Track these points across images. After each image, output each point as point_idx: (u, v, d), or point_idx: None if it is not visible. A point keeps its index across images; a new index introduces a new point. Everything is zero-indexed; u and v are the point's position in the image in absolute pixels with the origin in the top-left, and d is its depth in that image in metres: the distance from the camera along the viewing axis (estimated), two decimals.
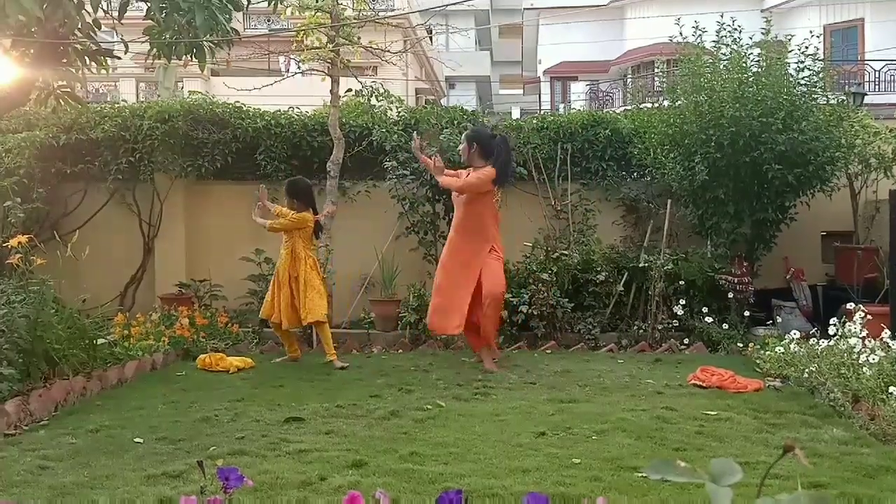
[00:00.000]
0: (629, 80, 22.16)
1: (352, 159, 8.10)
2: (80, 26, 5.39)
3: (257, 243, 8.01)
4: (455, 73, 28.50)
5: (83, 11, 5.27)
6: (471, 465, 3.48)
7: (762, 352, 6.01)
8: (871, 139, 7.48)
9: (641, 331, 7.28)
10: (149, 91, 20.17)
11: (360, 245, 8.10)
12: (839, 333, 5.31)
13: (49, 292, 5.03)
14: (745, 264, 7.28)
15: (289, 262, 6.23)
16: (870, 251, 7.49)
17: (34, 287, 5.05)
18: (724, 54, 7.14)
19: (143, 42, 5.85)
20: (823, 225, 8.09)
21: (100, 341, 5.64)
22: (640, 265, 7.36)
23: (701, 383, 5.33)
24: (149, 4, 5.19)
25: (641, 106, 8.44)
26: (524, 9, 26.01)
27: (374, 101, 8.08)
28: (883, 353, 4.72)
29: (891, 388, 4.23)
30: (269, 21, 23.07)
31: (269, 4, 5.93)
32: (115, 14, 5.36)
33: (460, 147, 6.26)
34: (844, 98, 7.61)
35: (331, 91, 7.84)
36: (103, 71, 6.10)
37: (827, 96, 7.24)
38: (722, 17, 7.27)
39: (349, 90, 8.30)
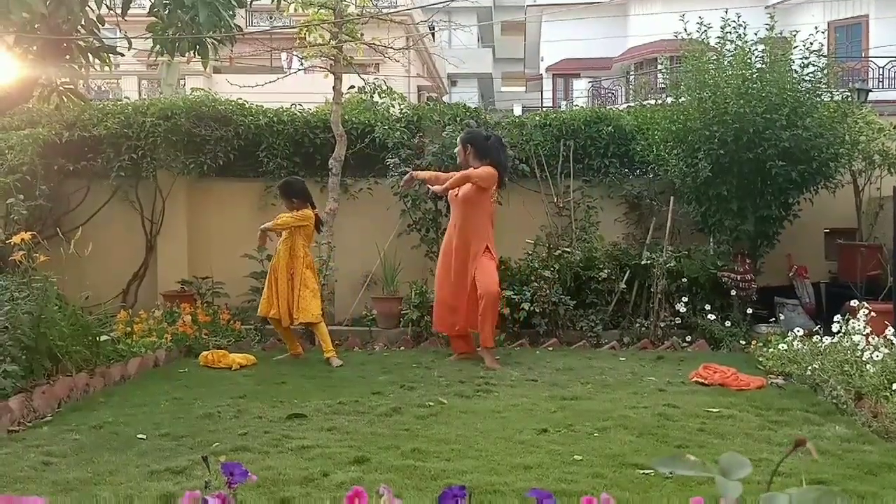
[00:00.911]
0: (632, 77, 22.12)
1: (354, 156, 8.10)
2: (83, 23, 5.38)
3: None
4: (457, 70, 28.47)
5: (86, 8, 5.26)
6: (473, 461, 3.49)
7: (765, 349, 6.01)
8: (876, 136, 7.46)
9: (643, 328, 7.27)
10: (151, 88, 20.16)
11: (362, 242, 8.10)
12: (842, 331, 5.30)
13: (52, 289, 5.03)
14: (747, 261, 7.27)
15: (287, 260, 6.22)
16: (873, 248, 7.48)
17: (37, 284, 5.05)
18: (729, 50, 7.12)
19: (146, 39, 5.86)
20: (827, 222, 8.08)
21: (103, 338, 5.65)
22: (643, 262, 7.35)
23: (703, 381, 5.33)
24: (152, 1, 5.18)
25: (644, 103, 8.42)
26: (527, 5, 25.97)
27: (376, 97, 8.08)
28: (886, 351, 4.72)
29: (894, 386, 4.22)
30: (271, 18, 23.07)
31: (271, 1, 5.93)
32: (119, 11, 5.35)
33: (456, 150, 6.29)
34: (849, 94, 7.58)
35: (333, 88, 7.84)
36: (106, 68, 6.10)
37: (831, 93, 7.21)
38: (726, 13, 7.25)
39: (352, 87, 8.30)
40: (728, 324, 7.05)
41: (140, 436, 3.89)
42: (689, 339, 7.11)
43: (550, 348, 6.99)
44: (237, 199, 8.42)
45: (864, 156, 7.51)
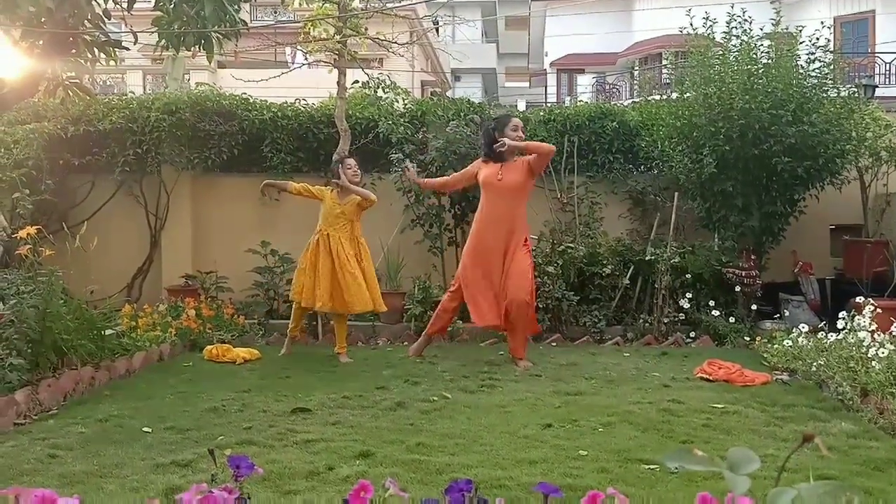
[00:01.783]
0: (636, 72, 22.07)
1: (358, 151, 8.08)
2: (89, 17, 5.38)
3: (263, 235, 8.04)
4: (461, 65, 28.43)
5: (93, 2, 5.26)
6: (477, 455, 3.49)
7: (769, 345, 6.00)
8: (882, 132, 7.44)
9: (647, 324, 7.27)
10: (156, 83, 20.16)
11: (366, 237, 8.06)
12: (848, 327, 5.29)
13: (58, 283, 5.04)
14: (752, 258, 7.25)
15: (350, 246, 6.13)
16: (879, 245, 7.46)
17: (43, 278, 5.06)
18: (734, 46, 7.10)
19: (151, 33, 5.86)
20: (832, 218, 8.06)
21: (108, 332, 5.66)
22: (647, 258, 7.34)
23: (708, 376, 5.32)
24: None
25: (649, 98, 8.40)
26: (531, 0, 25.91)
27: (380, 92, 8.06)
28: (892, 347, 4.71)
29: None
30: (275, 13, 23.05)
31: None
32: (124, 5, 5.35)
33: (514, 132, 5.89)
34: (855, 90, 7.55)
35: (337, 83, 7.83)
36: (111, 62, 6.10)
37: (838, 88, 7.18)
38: (732, 7, 7.23)
39: (356, 82, 8.29)
40: (732, 320, 7.04)
41: (145, 429, 3.90)
42: (693, 335, 7.10)
43: (554, 344, 6.99)
44: (241, 193, 8.41)
45: (870, 152, 7.49)
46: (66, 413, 4.30)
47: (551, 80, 26.19)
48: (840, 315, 5.46)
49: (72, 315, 5.26)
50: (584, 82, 24.12)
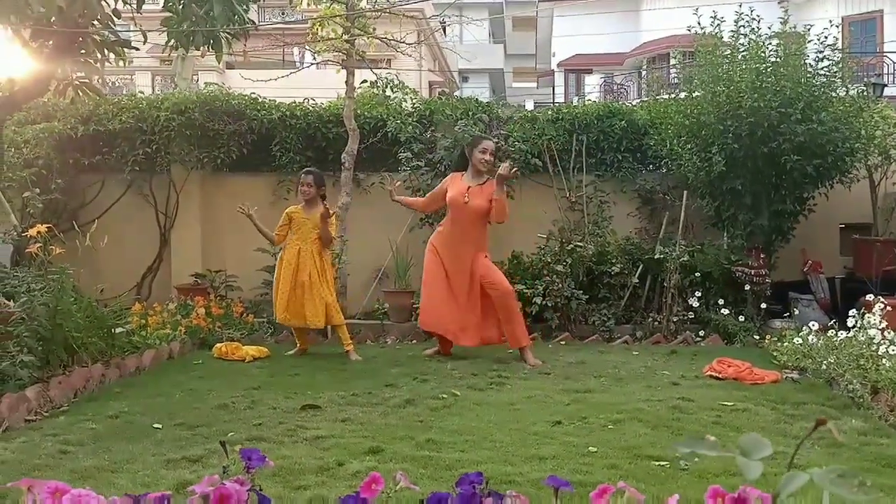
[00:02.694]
0: (644, 72, 22.02)
1: (366, 151, 8.11)
2: (98, 17, 5.41)
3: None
4: (469, 65, 28.46)
5: (103, 2, 5.29)
6: (487, 452, 3.49)
7: (779, 344, 5.98)
8: (891, 130, 7.41)
9: (656, 323, 7.25)
10: (164, 84, 20.25)
11: (374, 236, 8.11)
12: (858, 325, 5.27)
13: (68, 281, 5.06)
14: (762, 256, 7.23)
15: (317, 261, 6.16)
16: (889, 243, 7.42)
17: (54, 276, 5.08)
18: (742, 44, 7.08)
19: (161, 33, 5.89)
20: (842, 217, 8.03)
21: (118, 330, 5.68)
22: (656, 257, 7.32)
23: (717, 374, 5.31)
24: None
25: (658, 98, 8.39)
26: (538, 0, 25.89)
27: (388, 92, 8.08)
28: None
29: None
30: (283, 13, 23.12)
31: None
32: (134, 4, 5.38)
33: (488, 156, 5.94)
34: (864, 89, 7.52)
35: (346, 82, 7.85)
36: (121, 62, 6.14)
37: (847, 87, 7.16)
38: (740, 6, 7.21)
39: (364, 81, 8.31)
40: (742, 319, 7.02)
41: (156, 425, 3.91)
42: (702, 333, 7.08)
43: (563, 342, 6.99)
44: (250, 193, 8.40)
45: (879, 150, 7.46)
46: (77, 410, 4.32)
47: (559, 80, 26.14)
48: (850, 313, 5.44)
49: (82, 313, 5.28)
50: (592, 83, 24.07)
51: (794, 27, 7.23)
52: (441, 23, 18.80)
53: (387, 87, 8.10)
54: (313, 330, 6.44)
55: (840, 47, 7.59)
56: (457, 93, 24.29)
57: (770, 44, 7.13)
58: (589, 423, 4.05)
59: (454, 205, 5.96)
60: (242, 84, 9.61)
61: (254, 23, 6.08)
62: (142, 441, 3.62)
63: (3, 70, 6.07)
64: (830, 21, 7.86)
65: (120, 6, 5.62)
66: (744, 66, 6.84)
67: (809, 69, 6.95)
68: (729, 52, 7.11)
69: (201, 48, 5.29)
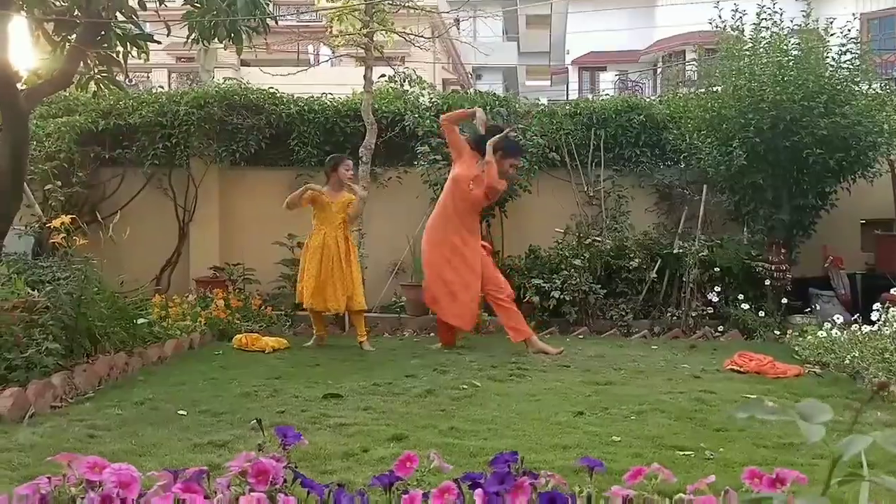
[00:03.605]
0: (659, 69, 21.94)
1: (384, 145, 8.13)
2: (122, 9, 5.45)
3: (289, 228, 8.07)
4: (482, 63, 28.40)
5: None
6: (511, 440, 3.49)
7: (800, 339, 5.95)
8: None
9: (675, 318, 7.23)
10: (180, 82, 20.36)
11: (392, 230, 8.13)
12: (882, 319, 5.23)
13: (92, 271, 5.11)
14: (782, 251, 7.19)
15: (342, 244, 6.20)
16: None
17: (78, 266, 5.13)
18: (764, 37, 7.04)
19: (182, 26, 5.92)
20: (863, 212, 7.97)
21: (139, 321, 5.73)
22: (675, 252, 7.30)
23: (739, 368, 5.29)
24: None
25: (676, 93, 8.36)
26: None
27: (406, 86, 8.09)
28: None
29: None
30: (298, 11, 23.17)
31: None
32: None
33: (487, 158, 6.00)
34: (887, 83, 7.46)
35: (364, 77, 7.87)
36: (143, 55, 6.17)
37: (869, 80, 7.10)
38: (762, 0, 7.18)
39: (382, 75, 8.32)
40: (762, 314, 6.98)
41: (180, 412, 3.94)
42: (721, 328, 7.06)
43: (581, 336, 6.98)
44: (268, 187, 8.47)
45: None
46: (102, 397, 4.35)
47: (573, 77, 26.09)
48: (874, 307, 5.40)
49: (105, 303, 5.32)
50: (607, 80, 24.00)
51: (816, 20, 7.17)
52: (455, 19, 18.81)
53: (405, 81, 8.10)
54: (333, 318, 6.48)
55: (860, 40, 7.53)
56: (470, 91, 24.25)
57: (791, 38, 7.09)
58: (611, 413, 4.04)
59: (457, 183, 6.09)
60: (259, 81, 9.65)
61: (274, 17, 6.11)
62: (168, 426, 3.65)
63: (27, 63, 6.13)
64: (854, 14, 7.79)
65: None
66: (766, 59, 6.80)
67: (832, 62, 6.90)
68: (751, 44, 7.06)
69: (224, 40, 5.30)
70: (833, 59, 6.96)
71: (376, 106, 8.15)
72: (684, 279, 7.26)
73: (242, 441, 3.37)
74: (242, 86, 8.48)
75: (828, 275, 7.65)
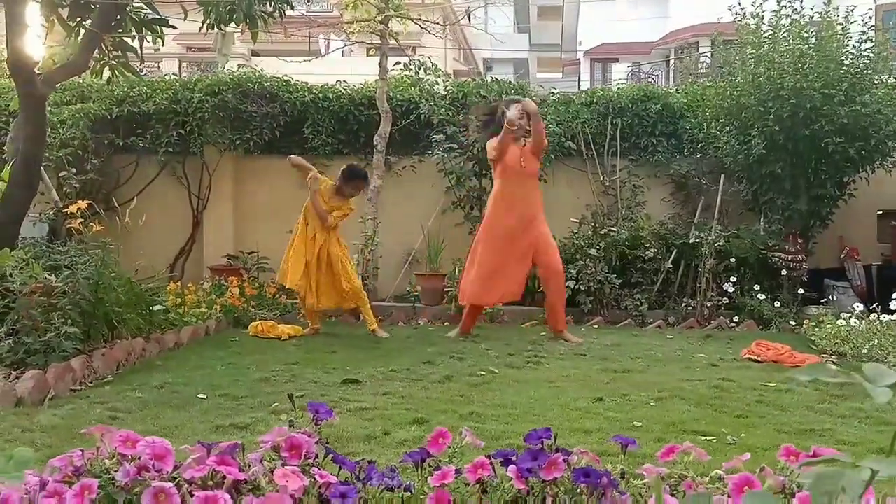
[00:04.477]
0: (672, 61, 21.80)
1: (399, 133, 8.10)
2: None
3: None
4: (493, 55, 28.29)
5: None
6: (532, 424, 3.44)
7: (817, 329, 5.91)
8: None
9: (689, 308, 7.20)
10: (191, 71, 20.35)
11: (406, 219, 8.11)
12: None
13: (110, 256, 5.11)
14: (799, 241, 7.14)
15: (331, 243, 6.21)
16: None
17: (95, 251, 5.13)
18: (784, 25, 6.97)
19: (197, 11, 5.91)
20: (880, 203, 7.89)
21: (156, 307, 5.73)
22: (691, 242, 7.27)
23: (756, 357, 5.26)
24: None
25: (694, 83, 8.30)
26: None
27: (422, 73, 8.06)
28: None
29: None
30: (308, 0, 23.13)
31: None
32: None
33: (514, 114, 5.89)
34: None
35: (379, 64, 7.84)
36: (158, 41, 6.17)
37: (890, 70, 7.03)
38: None
39: (397, 63, 8.29)
40: (777, 304, 6.94)
41: (200, 395, 3.94)
42: (736, 319, 7.02)
43: (596, 326, 6.96)
44: (282, 175, 8.44)
45: None
46: (121, 381, 4.37)
47: (584, 69, 25.95)
48: (894, 296, 5.36)
49: (122, 289, 5.33)
50: (619, 72, 23.85)
51: (837, 9, 7.10)
52: (467, 11, 18.74)
53: (420, 68, 8.07)
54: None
55: (876, 35, 7.44)
56: (487, 79, 24.15)
57: (810, 27, 7.02)
58: (630, 400, 4.03)
59: (510, 169, 5.99)
60: (270, 70, 9.63)
61: (290, 2, 6.09)
62: (188, 409, 3.65)
63: (42, 48, 6.13)
64: (873, 3, 7.71)
65: None
66: (786, 47, 6.74)
67: (853, 50, 6.84)
68: (771, 32, 7.00)
69: (241, 24, 5.29)
70: (854, 47, 6.89)
71: (391, 94, 8.13)
72: (700, 269, 7.22)
73: (263, 424, 3.37)
74: (257, 73, 8.45)
75: (843, 266, 7.60)
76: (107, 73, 6.33)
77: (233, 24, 5.54)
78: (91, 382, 4.31)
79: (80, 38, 5.87)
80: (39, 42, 6.04)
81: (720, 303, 7.13)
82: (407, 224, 8.09)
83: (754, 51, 6.97)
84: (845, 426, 3.64)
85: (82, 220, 5.39)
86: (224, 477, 1.67)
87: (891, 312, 5.36)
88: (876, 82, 6.85)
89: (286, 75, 8.57)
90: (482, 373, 4.65)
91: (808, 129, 6.66)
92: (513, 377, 4.58)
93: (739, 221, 7.68)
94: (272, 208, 8.43)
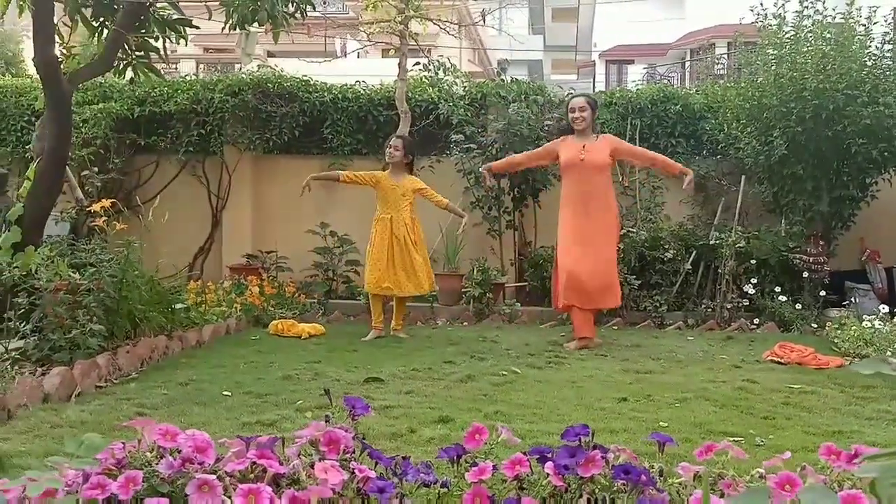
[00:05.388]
0: (688, 62, 21.72)
1: (417, 134, 8.11)
2: None
3: (322, 216, 8.12)
4: (507, 56, 28.27)
5: None
6: (557, 424, 3.46)
7: (839, 331, 5.87)
8: None
9: (709, 310, 7.16)
10: (209, 72, 20.46)
11: (424, 219, 8.05)
12: None
13: (134, 253, 5.15)
14: (821, 243, 7.09)
15: (410, 229, 6.12)
16: None
17: (120, 249, 5.17)
18: (806, 25, 6.93)
19: (220, 11, 5.94)
20: None
21: (177, 305, 5.76)
22: (711, 243, 7.23)
23: (779, 359, 5.23)
24: None
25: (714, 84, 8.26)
26: None
27: (441, 74, 8.06)
28: None
29: None
30: (324, 3, 23.21)
31: None
32: None
33: (584, 113, 5.83)
34: None
35: (399, 65, 7.86)
36: (181, 41, 6.20)
37: None
38: None
39: (416, 63, 8.30)
40: (798, 306, 6.89)
41: (225, 392, 3.96)
42: (756, 321, 6.97)
43: (615, 327, 6.93)
44: (301, 175, 8.39)
45: None
46: (146, 378, 4.39)
47: (600, 71, 25.89)
48: None
49: (145, 287, 5.36)
50: (634, 74, 23.78)
51: (860, 10, 7.04)
52: (483, 13, 18.74)
53: (439, 68, 8.08)
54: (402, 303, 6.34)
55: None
56: (506, 79, 24.12)
57: (832, 27, 6.97)
58: (654, 400, 4.01)
59: (570, 165, 5.81)
60: (288, 70, 9.67)
61: (311, 3, 6.11)
62: (214, 406, 3.67)
63: (65, 48, 6.18)
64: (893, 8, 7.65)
65: None
66: (808, 48, 6.69)
67: (875, 51, 6.79)
68: (793, 32, 6.96)
69: (265, 24, 5.31)
70: (876, 47, 6.83)
71: (410, 94, 8.14)
72: (720, 271, 7.18)
73: (289, 421, 3.38)
74: (276, 73, 8.49)
75: (864, 268, 7.54)
76: (129, 73, 6.38)
77: (255, 25, 5.55)
78: (116, 379, 4.34)
79: (102, 37, 5.92)
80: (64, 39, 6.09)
81: (740, 304, 7.08)
82: (425, 224, 7.98)
83: (776, 51, 6.93)
84: (873, 428, 3.61)
85: (105, 218, 5.42)
86: (265, 470, 1.68)
87: None
88: None
89: (305, 75, 8.60)
90: (504, 373, 4.64)
91: (831, 130, 6.61)
92: (535, 377, 4.57)
93: (760, 223, 7.63)
94: (291, 208, 8.46)
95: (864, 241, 7.62)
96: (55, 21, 5.66)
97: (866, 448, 1.91)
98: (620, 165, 8.00)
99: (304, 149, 8.50)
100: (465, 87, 8.28)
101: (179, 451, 1.72)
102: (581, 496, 1.83)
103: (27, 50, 12.87)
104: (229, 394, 3.94)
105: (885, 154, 6.73)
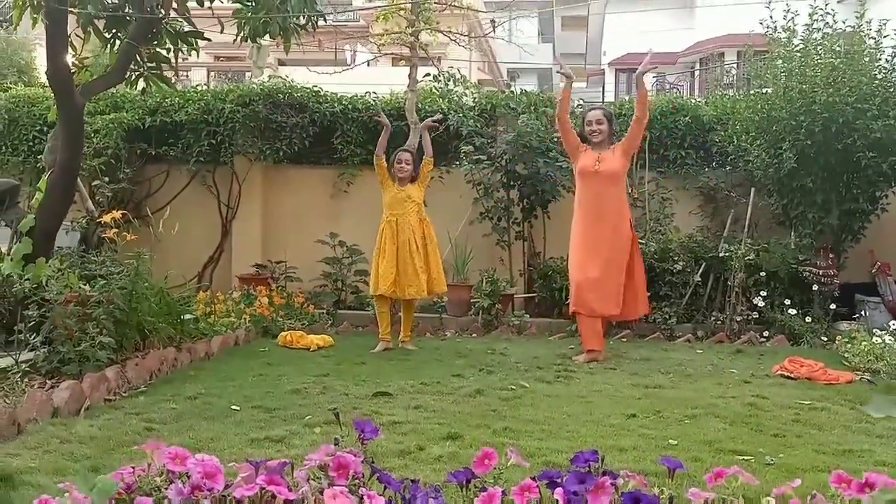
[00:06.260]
0: (697, 71, 21.68)
1: None
2: (175, 6, 5.51)
3: (332, 227, 8.14)
4: (517, 65, 28.29)
5: None
6: (566, 441, 3.46)
7: (850, 345, 5.83)
8: None
9: (718, 322, 7.13)
10: (219, 81, 20.57)
11: (434, 228, 8.09)
12: None
13: (144, 265, 5.17)
14: (830, 256, 7.05)
15: (417, 227, 6.09)
16: None
17: (129, 261, 5.20)
18: (816, 39, 6.91)
19: (232, 23, 5.97)
20: None
21: (186, 317, 5.79)
22: (720, 255, 7.20)
23: (789, 374, 5.19)
24: None
25: (724, 94, 8.24)
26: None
27: (451, 85, 8.07)
28: None
29: None
30: (335, 11, 23.30)
31: None
32: None
33: (601, 126, 5.84)
34: None
35: (409, 76, 7.88)
36: (192, 52, 6.25)
37: None
38: (815, 0, 7.05)
39: (427, 74, 8.32)
40: (808, 319, 6.85)
41: (234, 407, 3.97)
42: (766, 334, 6.94)
43: (624, 339, 6.91)
44: (311, 185, 8.53)
45: None
46: (155, 391, 4.41)
47: (609, 79, 25.89)
48: None
49: (154, 298, 5.39)
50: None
51: (869, 23, 7.02)
52: (491, 21, 18.78)
53: (449, 79, 8.09)
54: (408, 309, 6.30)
55: None
56: (516, 90, 24.13)
57: (841, 40, 6.95)
58: (664, 417, 4.00)
59: (585, 174, 5.82)
60: (298, 80, 9.70)
61: (324, 15, 6.15)
62: (223, 421, 3.68)
63: (78, 59, 6.23)
64: None
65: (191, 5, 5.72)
66: (818, 60, 6.67)
67: (885, 64, 6.76)
68: (802, 45, 6.94)
69: (276, 36, 5.34)
70: (886, 61, 6.81)
71: (419, 105, 8.15)
72: (729, 283, 7.15)
73: (298, 437, 3.39)
74: (287, 84, 8.52)
75: (874, 281, 7.49)
76: (141, 84, 6.43)
77: (267, 37, 5.58)
78: (125, 392, 4.36)
79: (114, 49, 5.96)
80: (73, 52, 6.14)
81: (750, 317, 7.05)
82: (436, 233, 8.08)
83: (786, 64, 6.91)
84: (884, 447, 3.58)
85: (116, 229, 5.45)
86: (274, 496, 1.68)
87: None
88: None
89: (316, 86, 8.63)
90: (513, 387, 4.64)
91: (841, 144, 6.59)
92: (544, 391, 4.56)
93: (769, 235, 7.60)
94: (301, 218, 8.49)
95: (874, 253, 7.58)
96: (68, 33, 5.71)
97: (878, 476, 1.89)
98: (629, 177, 8.00)
99: (313, 159, 8.52)
100: (475, 98, 8.29)
101: (189, 476, 1.72)
102: None
103: (40, 58, 12.97)
104: (238, 408, 3.95)
105: (895, 167, 6.70)
